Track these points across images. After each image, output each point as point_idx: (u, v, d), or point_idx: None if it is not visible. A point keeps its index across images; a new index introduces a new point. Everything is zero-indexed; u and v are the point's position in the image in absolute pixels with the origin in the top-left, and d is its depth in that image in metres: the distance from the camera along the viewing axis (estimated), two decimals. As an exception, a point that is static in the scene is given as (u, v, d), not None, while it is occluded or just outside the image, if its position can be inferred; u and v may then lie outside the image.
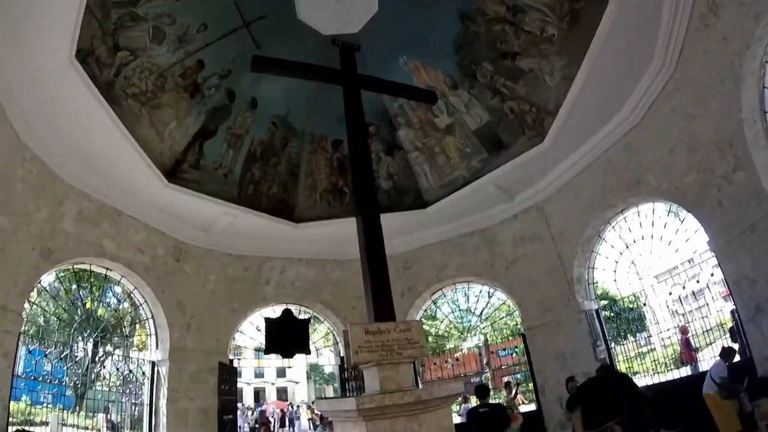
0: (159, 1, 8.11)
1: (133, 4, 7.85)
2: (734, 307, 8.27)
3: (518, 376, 20.27)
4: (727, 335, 10.53)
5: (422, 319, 11.38)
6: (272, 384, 46.35)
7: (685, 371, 12.88)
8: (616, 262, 10.98)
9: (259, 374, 43.48)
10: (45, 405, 14.96)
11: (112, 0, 7.49)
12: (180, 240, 10.89)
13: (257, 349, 14.66)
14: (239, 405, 19.37)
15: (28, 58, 6.81)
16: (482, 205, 12.01)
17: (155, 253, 10.35)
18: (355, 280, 12.65)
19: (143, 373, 10.38)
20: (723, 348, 8.94)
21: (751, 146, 7.07)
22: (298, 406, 36.45)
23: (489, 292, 13.56)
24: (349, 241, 12.30)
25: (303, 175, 11.73)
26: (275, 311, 12.59)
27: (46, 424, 14.17)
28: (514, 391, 12.48)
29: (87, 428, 14.40)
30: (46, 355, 12.14)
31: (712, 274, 9.64)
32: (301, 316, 12.79)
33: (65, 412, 14.40)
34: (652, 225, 10.04)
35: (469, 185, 11.46)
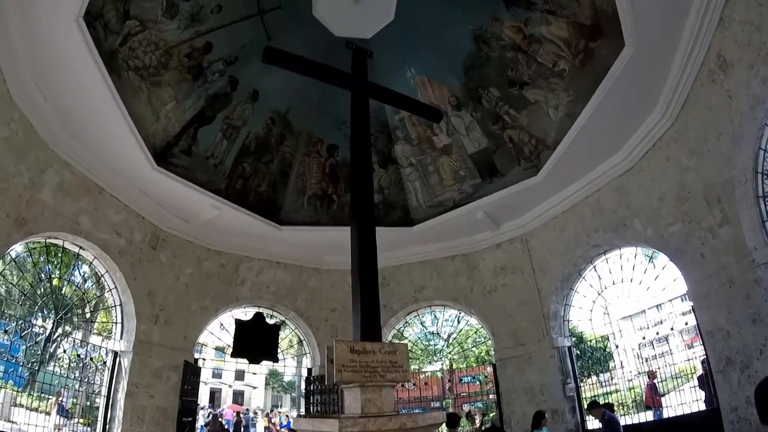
0: (178, -26, 7.98)
1: (153, -27, 7.71)
2: (705, 356, 8.37)
3: (479, 404, 20.14)
4: (695, 383, 10.66)
5: (407, 342, 11.22)
6: (229, 386, 45.39)
7: (649, 415, 12.92)
8: (593, 302, 11.07)
9: (217, 374, 42.37)
10: (-4, 379, 14.26)
11: (132, -36, 7.35)
12: (159, 227, 10.56)
13: (219, 349, 14.27)
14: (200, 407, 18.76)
15: (33, 10, 6.59)
16: (468, 230, 12.03)
17: (132, 238, 9.98)
18: (331, 291, 12.78)
19: (103, 363, 9.89)
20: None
21: (739, 203, 7.21)
22: (255, 413, 35.59)
23: (458, 317, 13.50)
24: (330, 250, 12.36)
25: (294, 176, 11.59)
26: (247, 313, 12.28)
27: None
28: (478, 422, 12.37)
29: (36, 410, 13.75)
30: (6, 331, 11.58)
31: (686, 323, 9.76)
32: (271, 321, 12.51)
33: (16, 391, 13.75)
34: (633, 269, 10.15)
35: (458, 208, 11.48)
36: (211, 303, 11.55)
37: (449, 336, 14.11)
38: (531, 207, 11.16)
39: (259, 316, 11.83)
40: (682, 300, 8.41)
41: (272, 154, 11.18)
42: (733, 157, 7.22)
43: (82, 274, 10.94)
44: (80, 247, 9.30)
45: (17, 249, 9.17)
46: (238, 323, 11.53)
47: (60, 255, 9.82)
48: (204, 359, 11.73)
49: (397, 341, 12.35)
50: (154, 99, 8.95)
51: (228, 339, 11.84)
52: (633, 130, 8.98)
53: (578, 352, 12.67)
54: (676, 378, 12.65)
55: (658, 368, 13.85)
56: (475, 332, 15.16)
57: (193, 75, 9.40)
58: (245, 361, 11.66)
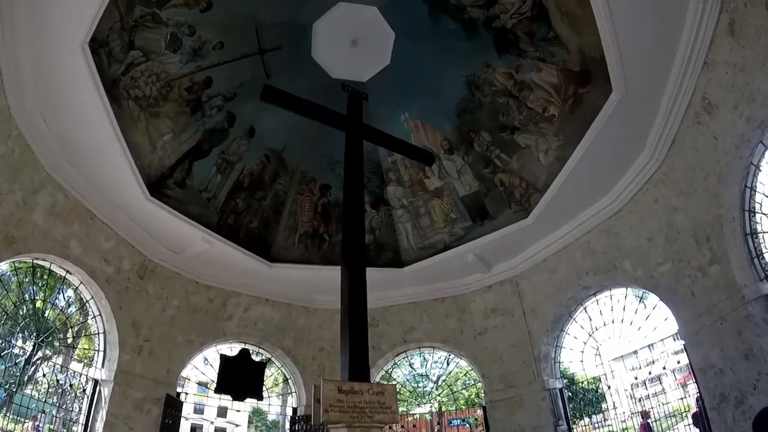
0: (185, 8, 8.26)
1: (159, 6, 7.96)
2: (698, 394, 8.30)
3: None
4: (690, 421, 10.50)
5: (395, 384, 10.98)
6: (211, 423, 43.49)
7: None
8: (584, 343, 11.00)
9: (199, 410, 40.64)
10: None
11: (140, -4, 7.58)
12: (149, 257, 10.41)
13: (202, 384, 13.80)
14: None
15: (42, 32, 6.74)
16: (458, 272, 12.03)
17: (120, 266, 9.83)
18: (320, 330, 12.58)
19: (83, 390, 9.51)
20: None
21: (728, 241, 7.37)
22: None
23: (448, 359, 13.30)
24: (319, 289, 12.24)
25: (286, 214, 11.63)
26: (232, 349, 11.96)
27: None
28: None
29: (11, 432, 13.06)
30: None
31: (678, 362, 9.71)
32: (257, 358, 12.18)
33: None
34: (624, 310, 10.18)
35: (448, 250, 11.54)
36: (197, 337, 11.25)
37: (438, 378, 13.84)
38: (521, 249, 11.23)
39: (244, 353, 11.51)
40: (674, 339, 8.41)
41: (265, 191, 11.24)
42: (720, 196, 7.43)
43: (66, 298, 10.66)
44: (67, 271, 9.10)
45: (2, 267, 8.96)
46: (223, 359, 11.20)
47: (46, 277, 9.60)
48: (186, 393, 11.33)
49: (386, 382, 12.07)
50: (152, 129, 9.05)
51: (212, 374, 11.45)
52: (622, 172, 9.22)
53: (570, 393, 12.48)
54: (671, 417, 12.46)
55: (652, 408, 13.62)
56: (465, 374, 14.90)
57: (192, 108, 9.56)
58: (229, 397, 11.24)
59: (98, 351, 9.80)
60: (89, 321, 10.05)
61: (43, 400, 10.33)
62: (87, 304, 9.74)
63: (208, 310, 11.55)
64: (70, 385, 9.64)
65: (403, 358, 13.51)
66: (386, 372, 13.50)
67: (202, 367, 12.31)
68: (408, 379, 14.92)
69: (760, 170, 6.98)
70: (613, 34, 7.11)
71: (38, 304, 10.37)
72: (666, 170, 8.48)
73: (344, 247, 6.87)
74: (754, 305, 6.89)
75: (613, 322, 10.38)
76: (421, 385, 15.36)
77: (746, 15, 6.02)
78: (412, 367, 14.18)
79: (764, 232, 7.15)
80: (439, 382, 14.00)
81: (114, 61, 7.91)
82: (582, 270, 10.30)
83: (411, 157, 10.09)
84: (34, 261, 8.75)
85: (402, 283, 12.28)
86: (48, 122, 7.78)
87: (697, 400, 8.73)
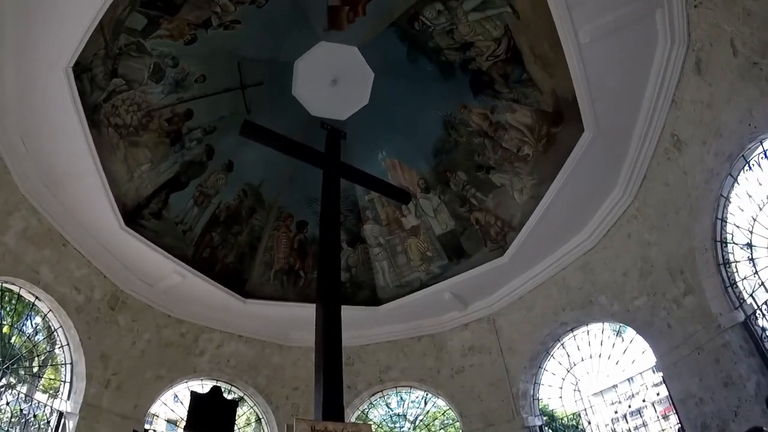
0: (169, 40, 8.36)
1: (144, 36, 8.05)
2: (680, 425, 8.30)
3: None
4: None
5: (371, 424, 10.66)
6: None
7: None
8: (563, 379, 10.96)
9: None
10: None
11: (126, 24, 7.66)
12: (120, 288, 10.01)
13: (171, 422, 13.07)
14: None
15: (27, 52, 6.74)
16: (435, 311, 11.95)
17: (91, 295, 9.43)
18: (294, 368, 12.22)
19: (47, 422, 8.96)
20: None
21: (701, 272, 7.60)
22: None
23: (425, 399, 13.01)
24: (294, 326, 11.96)
25: (262, 249, 11.46)
26: (204, 386, 11.45)
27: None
28: None
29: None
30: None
31: (658, 394, 9.73)
32: (229, 396, 11.68)
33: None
34: (601, 344, 10.24)
35: (425, 288, 11.49)
36: (167, 372, 10.74)
37: (416, 418, 13.43)
38: (498, 287, 11.27)
39: (216, 390, 10.93)
40: (654, 371, 8.47)
41: (242, 226, 11.11)
42: (692, 228, 7.71)
43: (34, 325, 10.15)
44: (36, 297, 8.70)
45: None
46: (194, 396, 10.59)
47: (14, 302, 9.15)
48: (155, 431, 10.70)
49: (362, 422, 11.69)
50: (130, 158, 8.96)
51: (182, 411, 10.89)
52: (595, 209, 9.47)
53: (550, 430, 12.38)
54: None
55: (633, 441, 13.53)
56: (443, 414, 14.52)
57: (172, 140, 9.53)
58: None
59: (64, 382, 9.30)
60: (57, 350, 9.59)
61: (5, 429, 9.66)
62: (55, 333, 9.31)
63: (179, 345, 11.08)
64: (34, 416, 9.07)
65: (380, 397, 13.14)
66: (362, 412, 13.07)
67: (172, 403, 11.74)
68: (385, 419, 14.46)
69: (729, 201, 7.29)
70: (584, 75, 7.47)
71: (5, 329, 9.92)
72: (638, 206, 8.76)
73: (320, 285, 6.80)
74: (731, 333, 7.05)
75: (591, 357, 10.42)
76: (398, 425, 14.90)
77: (712, 53, 6.43)
78: (388, 407, 13.78)
79: (737, 262, 7.39)
80: (417, 422, 13.62)
81: (96, 88, 7.90)
82: (558, 306, 10.39)
83: (388, 195, 10.15)
84: (3, 285, 8.41)
85: (378, 321, 12.10)
86: (26, 144, 7.65)
87: (678, 431, 8.74)
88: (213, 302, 10.99)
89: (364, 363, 12.39)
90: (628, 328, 9.33)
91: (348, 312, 10.89)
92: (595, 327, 10.32)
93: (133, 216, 9.25)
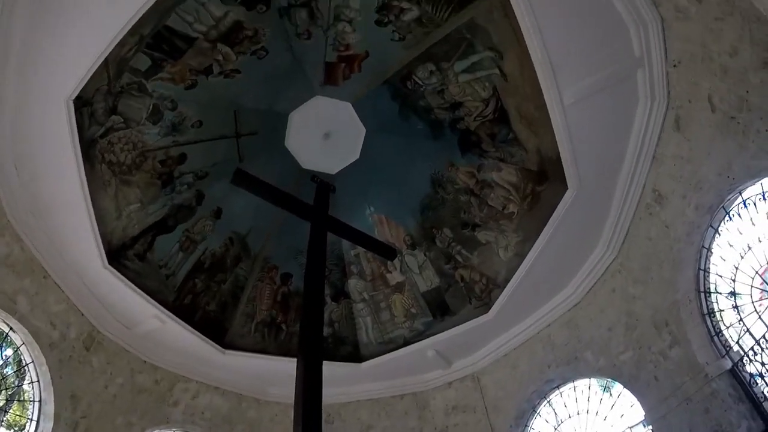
0: (171, 83, 8.58)
1: (147, 77, 8.25)
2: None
3: None
4: None
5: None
6: None
7: None
8: (550, 438, 10.58)
9: None
10: None
11: (130, 64, 7.89)
12: (97, 328, 9.54)
13: None
14: None
15: (30, 80, 6.87)
16: (418, 368, 11.66)
17: (67, 333, 8.98)
18: (271, 424, 11.70)
19: None
20: None
21: (686, 324, 7.74)
22: None
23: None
24: (273, 381, 11.54)
25: (245, 300, 11.17)
26: (175, 438, 10.80)
27: None
28: None
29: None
30: None
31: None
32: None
33: None
34: (588, 400, 10.04)
35: (408, 346, 11.28)
36: (138, 420, 10.06)
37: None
38: (482, 345, 11.14)
39: (188, 444, 10.43)
40: (644, 426, 8.34)
41: (226, 274, 10.89)
42: (675, 281, 7.92)
43: (4, 357, 9.53)
44: (11, 328, 8.28)
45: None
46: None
47: None
48: None
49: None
50: (121, 197, 8.90)
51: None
52: (579, 265, 9.63)
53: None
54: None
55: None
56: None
57: (163, 182, 9.53)
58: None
59: (31, 420, 8.68)
60: (26, 386, 9.02)
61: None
62: (26, 368, 8.81)
63: (153, 392, 10.46)
64: (0, 453, 8.41)
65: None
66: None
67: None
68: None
69: (711, 252, 7.54)
70: (568, 135, 7.87)
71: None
72: (622, 260, 8.96)
73: (302, 339, 6.63)
74: (718, 381, 7.08)
75: (578, 413, 10.17)
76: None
77: (691, 110, 6.88)
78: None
79: (721, 311, 7.54)
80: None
81: (95, 123, 7.99)
82: (544, 363, 10.28)
83: (374, 251, 10.11)
84: (-22, 311, 8.02)
85: (360, 378, 11.72)
86: (19, 170, 7.58)
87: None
88: (191, 350, 10.56)
89: (344, 421, 11.87)
90: (616, 382, 9.24)
91: (329, 368, 10.61)
92: (581, 383, 10.18)
93: (117, 255, 9.04)
